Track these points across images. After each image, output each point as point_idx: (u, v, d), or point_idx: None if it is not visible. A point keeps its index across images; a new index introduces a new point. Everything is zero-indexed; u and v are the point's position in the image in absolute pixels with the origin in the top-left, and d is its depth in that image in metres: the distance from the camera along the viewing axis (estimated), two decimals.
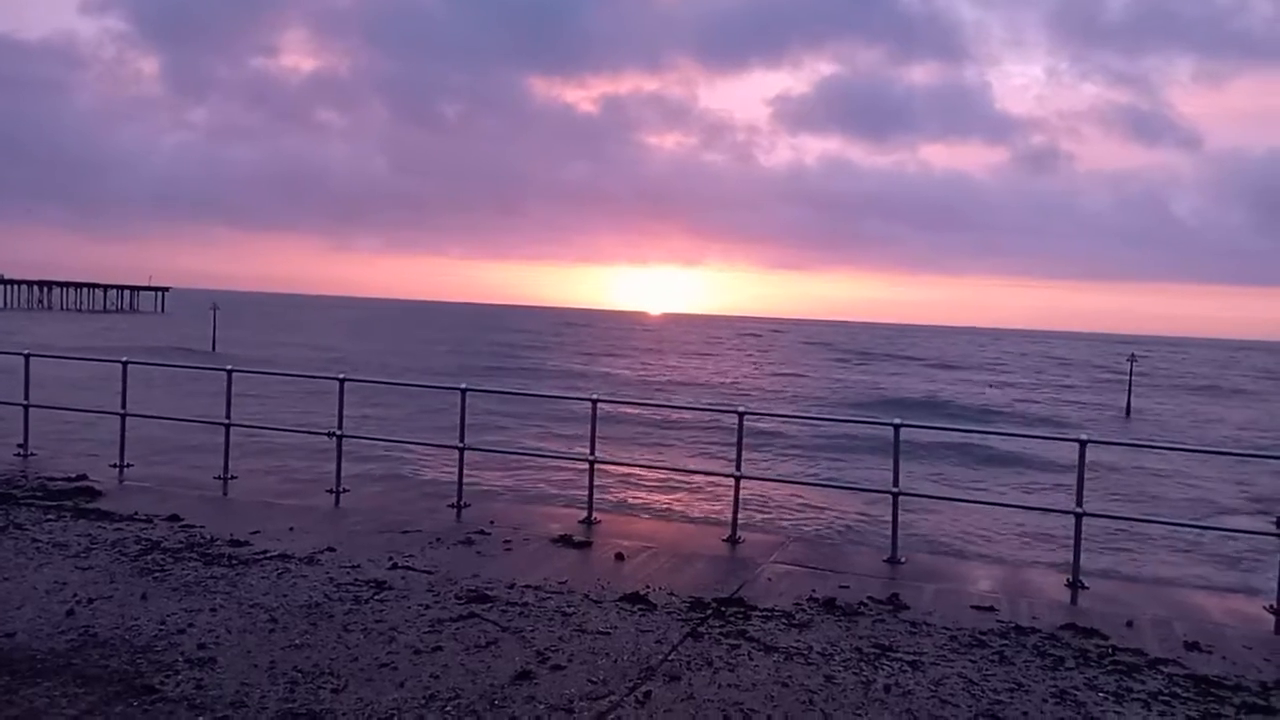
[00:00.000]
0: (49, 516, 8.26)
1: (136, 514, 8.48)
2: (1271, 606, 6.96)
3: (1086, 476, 7.81)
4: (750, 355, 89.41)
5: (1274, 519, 6.85)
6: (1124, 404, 52.57)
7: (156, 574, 6.72)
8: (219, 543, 7.65)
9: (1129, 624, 6.56)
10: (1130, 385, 54.64)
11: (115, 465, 10.72)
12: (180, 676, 4.91)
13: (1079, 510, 7.74)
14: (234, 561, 7.13)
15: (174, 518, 8.40)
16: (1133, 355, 55.38)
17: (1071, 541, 7.80)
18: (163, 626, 5.64)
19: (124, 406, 10.84)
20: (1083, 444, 7.69)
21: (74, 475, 10.01)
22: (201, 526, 8.16)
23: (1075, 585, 7.56)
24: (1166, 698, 5.23)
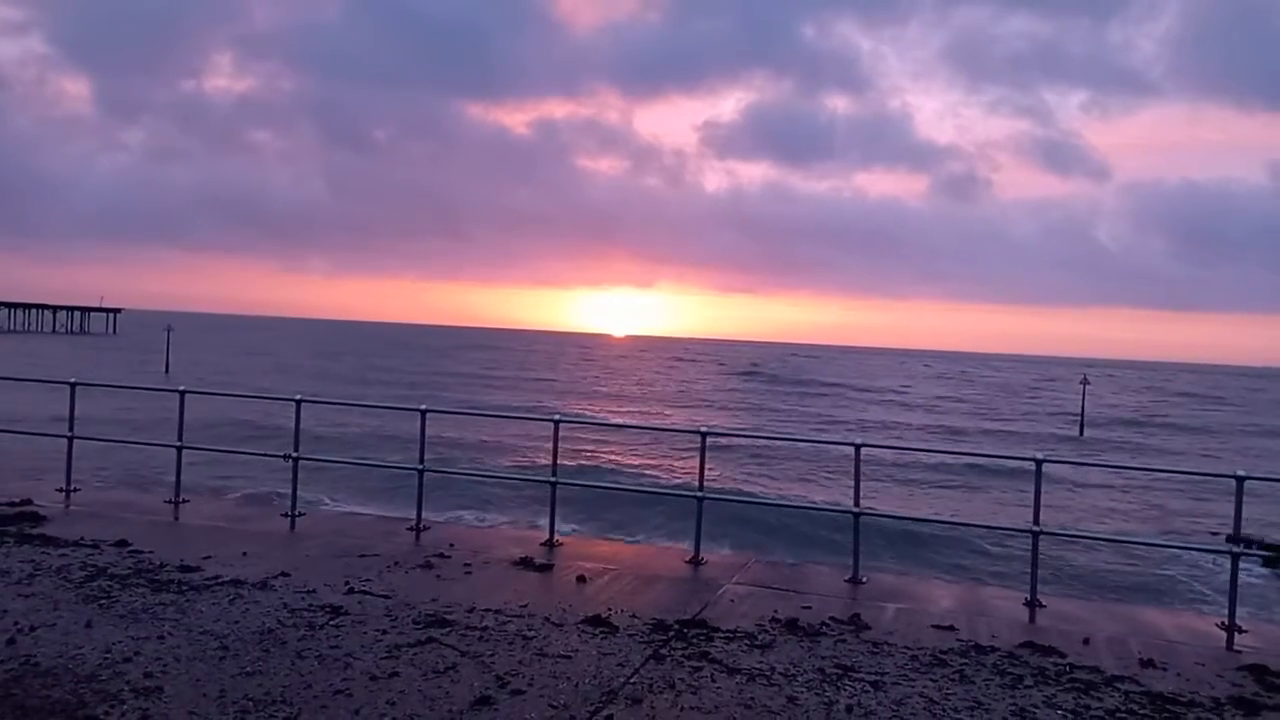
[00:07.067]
0: None
1: (83, 539, 8.23)
2: (1223, 623, 7.07)
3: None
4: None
5: (1224, 537, 6.98)
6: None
7: (102, 601, 6.51)
8: (168, 568, 7.45)
9: (1085, 641, 6.62)
10: (1084, 406, 55.77)
11: (62, 489, 10.41)
12: (125, 706, 4.75)
13: (1036, 529, 7.82)
14: (184, 587, 6.94)
15: (122, 543, 8.16)
16: (1085, 377, 56.60)
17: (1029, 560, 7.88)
18: (108, 655, 5.46)
19: (71, 429, 10.55)
20: (1039, 462, 7.79)
21: (18, 500, 9.69)
22: (150, 552, 7.93)
23: (1033, 604, 7.62)
24: (1123, 715, 5.28)
